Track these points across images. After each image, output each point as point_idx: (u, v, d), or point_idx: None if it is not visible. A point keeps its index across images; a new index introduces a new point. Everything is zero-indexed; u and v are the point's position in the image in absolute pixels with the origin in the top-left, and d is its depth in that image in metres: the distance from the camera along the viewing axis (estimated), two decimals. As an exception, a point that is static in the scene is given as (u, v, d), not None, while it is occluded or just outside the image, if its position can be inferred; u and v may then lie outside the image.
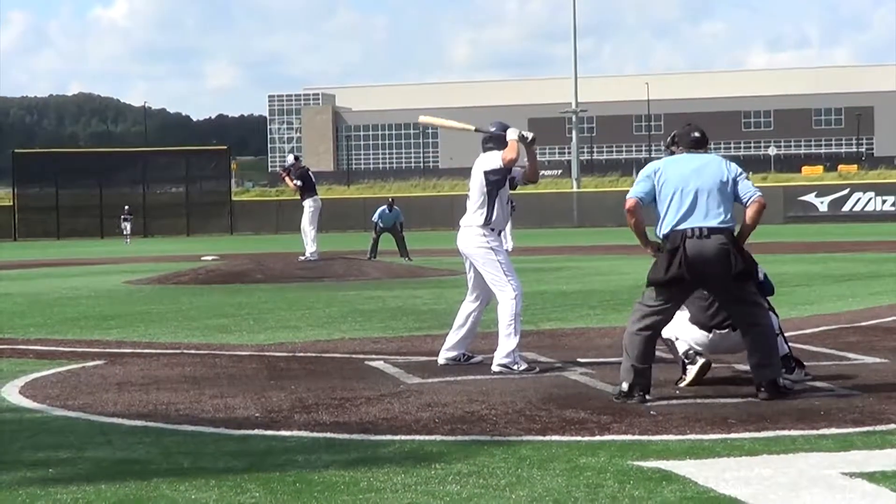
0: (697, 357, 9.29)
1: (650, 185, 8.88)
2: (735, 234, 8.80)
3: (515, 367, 10.28)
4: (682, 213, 8.71)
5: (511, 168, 10.64)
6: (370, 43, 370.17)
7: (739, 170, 8.98)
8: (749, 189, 8.88)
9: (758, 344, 8.75)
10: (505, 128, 10.76)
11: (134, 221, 62.33)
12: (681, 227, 8.70)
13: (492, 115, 11.12)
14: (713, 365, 9.94)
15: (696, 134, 9.12)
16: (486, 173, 10.62)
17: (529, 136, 10.71)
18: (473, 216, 10.70)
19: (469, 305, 10.91)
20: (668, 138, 9.36)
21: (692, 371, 9.29)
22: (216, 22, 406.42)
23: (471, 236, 10.70)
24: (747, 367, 9.13)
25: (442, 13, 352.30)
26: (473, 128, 11.23)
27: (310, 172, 28.04)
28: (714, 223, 8.69)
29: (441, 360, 10.89)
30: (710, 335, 9.28)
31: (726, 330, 9.22)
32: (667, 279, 8.68)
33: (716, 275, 8.68)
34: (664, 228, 8.79)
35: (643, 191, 8.91)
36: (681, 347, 9.35)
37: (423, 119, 12.14)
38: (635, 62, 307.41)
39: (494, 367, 10.32)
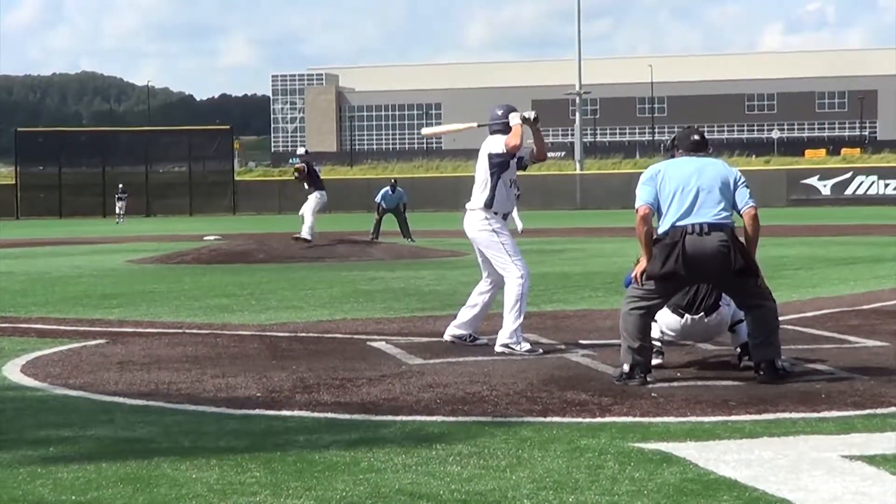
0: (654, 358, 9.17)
1: (655, 190, 8.83)
2: (735, 230, 8.79)
3: (517, 347, 10.28)
4: (683, 210, 8.68)
5: (514, 153, 10.67)
6: (387, 22, 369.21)
7: (741, 175, 8.96)
8: (745, 198, 8.84)
9: (759, 324, 8.75)
10: (512, 110, 10.79)
11: (135, 200, 62.28)
12: (681, 223, 8.69)
13: (497, 97, 11.14)
14: (714, 348, 9.96)
15: (696, 137, 9.14)
16: (490, 156, 10.66)
17: (531, 115, 10.78)
18: (477, 198, 10.75)
19: (483, 286, 10.95)
20: (669, 142, 9.40)
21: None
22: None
23: (473, 220, 10.75)
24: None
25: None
26: (476, 124, 11.42)
27: (315, 167, 28.40)
28: (714, 220, 8.67)
29: (447, 336, 10.92)
30: (683, 320, 9.23)
31: (699, 315, 9.20)
32: (661, 273, 8.67)
33: (714, 271, 8.68)
34: (664, 225, 8.78)
35: (651, 196, 8.83)
36: (653, 332, 9.24)
37: (426, 132, 12.71)
38: (650, 43, 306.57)
39: (497, 348, 10.34)
